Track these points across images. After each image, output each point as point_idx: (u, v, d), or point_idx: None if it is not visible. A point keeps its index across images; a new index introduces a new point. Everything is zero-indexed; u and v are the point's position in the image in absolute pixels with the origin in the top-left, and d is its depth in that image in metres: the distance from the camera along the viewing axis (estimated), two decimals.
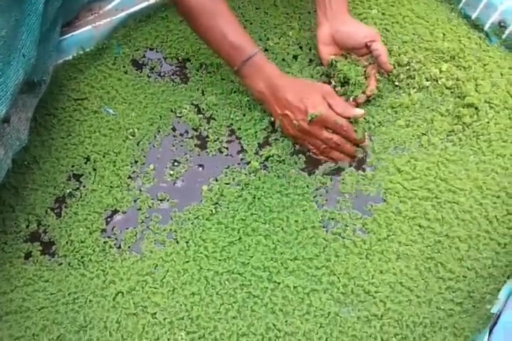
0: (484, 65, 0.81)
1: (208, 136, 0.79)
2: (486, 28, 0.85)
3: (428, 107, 0.78)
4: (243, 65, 0.72)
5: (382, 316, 0.64)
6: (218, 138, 0.79)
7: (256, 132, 0.79)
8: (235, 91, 0.82)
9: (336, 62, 0.79)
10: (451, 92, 0.79)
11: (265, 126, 0.79)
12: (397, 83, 0.80)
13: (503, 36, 0.83)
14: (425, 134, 0.77)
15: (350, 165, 0.75)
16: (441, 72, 0.81)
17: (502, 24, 0.83)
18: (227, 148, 0.78)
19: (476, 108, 0.77)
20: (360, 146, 0.75)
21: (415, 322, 0.64)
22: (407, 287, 0.66)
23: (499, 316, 0.58)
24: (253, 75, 0.73)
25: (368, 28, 0.77)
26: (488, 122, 0.76)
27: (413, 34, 0.85)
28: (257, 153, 0.77)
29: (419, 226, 0.70)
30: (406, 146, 0.76)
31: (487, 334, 0.58)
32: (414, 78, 0.80)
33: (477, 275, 0.66)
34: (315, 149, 0.75)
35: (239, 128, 0.80)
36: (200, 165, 0.77)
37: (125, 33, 0.89)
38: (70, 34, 0.84)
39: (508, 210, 0.70)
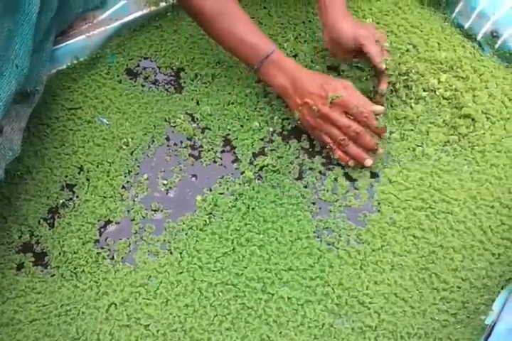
0: (480, 75, 0.81)
1: (202, 146, 0.79)
2: (479, 37, 0.85)
3: (427, 118, 0.78)
4: (262, 63, 0.73)
5: (376, 327, 0.64)
6: (212, 149, 0.79)
7: (253, 142, 0.79)
8: (232, 103, 0.82)
9: (343, 72, 0.79)
10: (449, 103, 0.79)
11: (263, 136, 0.79)
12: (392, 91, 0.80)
13: (496, 46, 0.84)
14: (420, 146, 0.77)
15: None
16: (439, 82, 0.80)
17: (494, 34, 0.83)
18: (221, 158, 0.78)
19: (473, 119, 0.77)
20: (381, 138, 0.74)
21: (410, 333, 0.64)
22: (401, 298, 0.66)
23: (493, 327, 0.58)
24: (273, 72, 0.73)
25: (354, 32, 0.72)
26: (484, 133, 0.76)
27: (408, 44, 0.85)
28: (251, 163, 0.77)
29: (414, 236, 0.70)
30: (399, 158, 0.76)
31: None
32: (411, 89, 0.80)
33: (471, 285, 0.66)
34: (332, 142, 0.73)
35: (236, 138, 0.79)
36: (193, 175, 0.77)
37: (119, 43, 0.89)
38: (64, 43, 0.84)
39: (501, 220, 0.70)
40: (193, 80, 0.85)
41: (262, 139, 0.79)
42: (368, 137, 0.71)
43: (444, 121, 0.78)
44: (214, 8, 0.72)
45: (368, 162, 0.73)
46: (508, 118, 0.78)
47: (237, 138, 0.79)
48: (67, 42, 0.84)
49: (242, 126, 0.80)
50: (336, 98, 0.69)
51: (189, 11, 0.76)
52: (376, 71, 0.76)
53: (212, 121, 0.81)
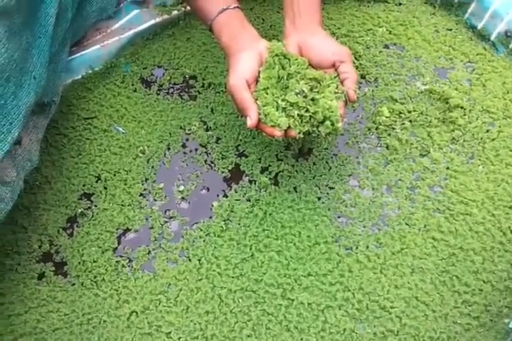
0: (480, 75, 0.82)
1: (215, 154, 0.79)
2: (493, 37, 0.85)
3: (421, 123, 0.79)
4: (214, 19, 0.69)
5: (398, 332, 0.64)
6: (226, 157, 0.79)
7: (262, 156, 0.78)
8: None
9: None
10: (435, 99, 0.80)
11: (273, 152, 0.79)
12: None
13: (510, 45, 0.83)
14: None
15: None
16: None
17: (509, 34, 0.83)
18: (234, 167, 0.78)
19: (462, 107, 0.78)
20: None
21: (432, 338, 0.63)
22: (422, 301, 0.65)
23: None
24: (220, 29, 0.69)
25: (339, 46, 0.67)
26: (488, 129, 0.77)
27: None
28: (262, 172, 0.77)
29: (433, 238, 0.69)
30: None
31: None
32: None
33: (493, 288, 0.65)
34: None
35: (245, 150, 0.79)
36: (210, 182, 0.77)
37: (133, 51, 0.89)
38: (79, 54, 0.85)
39: None
40: (206, 89, 0.85)
41: (271, 155, 0.78)
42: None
43: (437, 118, 0.78)
44: None
45: None
46: None
47: (247, 151, 0.79)
48: (82, 53, 0.85)
49: (253, 138, 0.80)
50: None
51: None
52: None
53: (224, 131, 0.81)
